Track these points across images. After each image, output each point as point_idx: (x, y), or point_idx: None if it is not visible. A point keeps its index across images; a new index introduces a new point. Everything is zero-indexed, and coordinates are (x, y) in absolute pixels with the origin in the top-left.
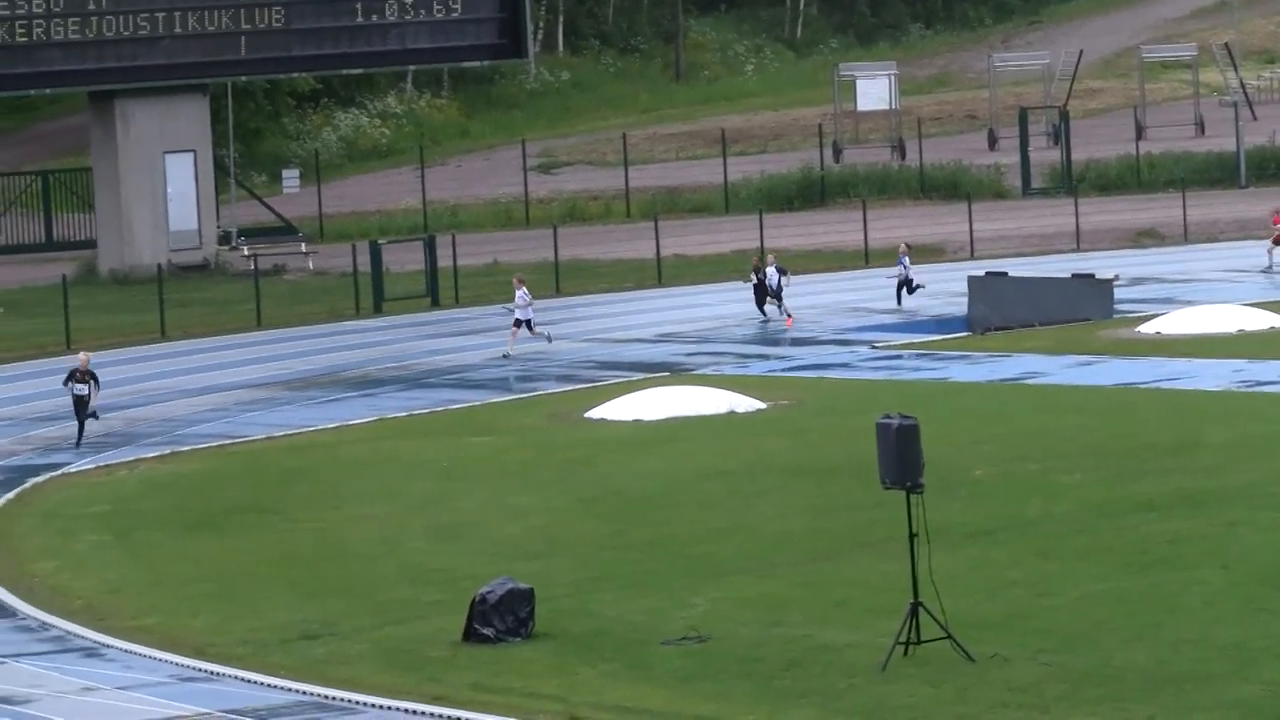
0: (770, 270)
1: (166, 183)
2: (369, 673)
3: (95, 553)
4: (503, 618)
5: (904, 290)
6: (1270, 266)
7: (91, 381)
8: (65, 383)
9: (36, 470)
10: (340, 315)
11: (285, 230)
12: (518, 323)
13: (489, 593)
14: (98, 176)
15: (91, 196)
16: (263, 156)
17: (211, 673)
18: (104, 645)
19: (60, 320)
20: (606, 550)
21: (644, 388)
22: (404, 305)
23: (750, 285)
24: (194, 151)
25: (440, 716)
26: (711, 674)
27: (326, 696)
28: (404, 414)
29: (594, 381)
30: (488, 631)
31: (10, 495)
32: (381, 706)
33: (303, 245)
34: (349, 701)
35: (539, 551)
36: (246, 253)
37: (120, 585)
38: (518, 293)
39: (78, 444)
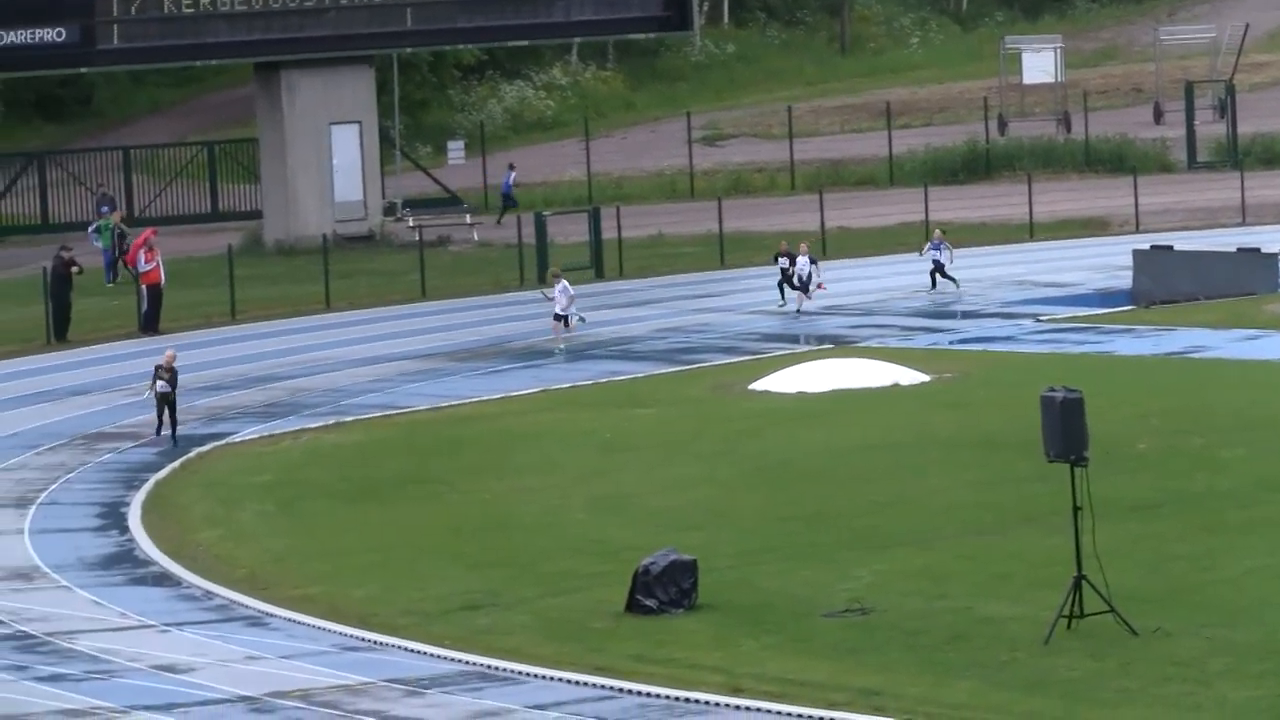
0: (802, 260)
1: (332, 154)
2: (531, 643)
3: (259, 522)
4: (665, 589)
5: (938, 274)
6: None
7: (173, 378)
8: (151, 382)
9: (201, 440)
10: (505, 287)
11: (450, 202)
12: (558, 317)
13: (652, 564)
14: (263, 147)
15: (257, 167)
16: (428, 128)
17: (374, 642)
18: (267, 614)
19: (225, 291)
20: (769, 522)
21: (808, 360)
22: (569, 277)
23: (779, 269)
24: (359, 123)
25: (602, 687)
26: (874, 646)
27: (489, 666)
28: (568, 385)
29: (758, 353)
30: (650, 603)
31: (175, 464)
32: (544, 677)
33: (467, 217)
34: (511, 672)
35: (702, 523)
36: (411, 224)
37: (284, 555)
38: (557, 285)
39: (174, 440)
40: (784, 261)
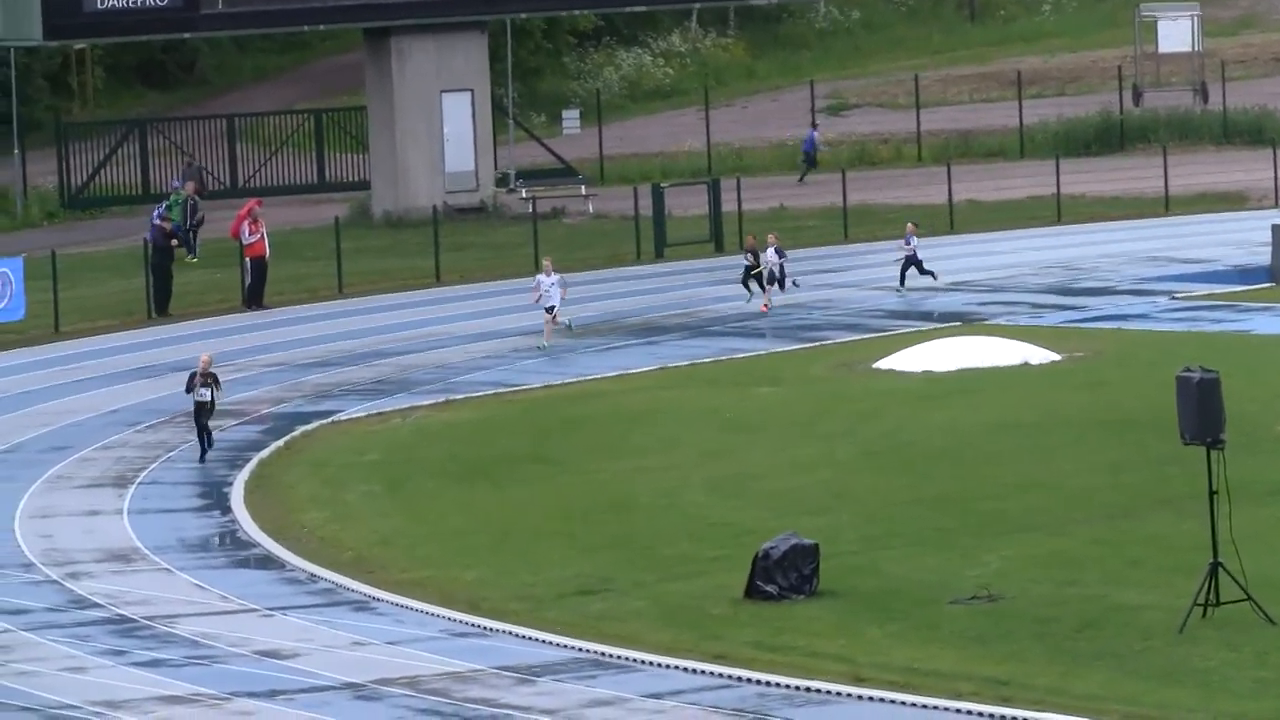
0: (770, 253)
1: (443, 123)
2: (647, 630)
3: (366, 503)
4: (786, 574)
5: (908, 270)
6: None
7: (214, 385)
8: (188, 390)
9: (306, 418)
10: (621, 260)
11: (564, 172)
12: (549, 309)
13: (772, 548)
14: (372, 116)
15: (365, 136)
16: (542, 96)
17: (485, 628)
18: (374, 599)
19: (332, 264)
20: (894, 505)
21: (935, 338)
22: (686, 250)
23: (745, 265)
24: (471, 91)
25: (720, 675)
26: (1002, 635)
27: (602, 653)
28: (686, 362)
29: (883, 331)
30: (770, 588)
31: (280, 443)
32: (660, 664)
33: (582, 188)
34: (626, 659)
35: (824, 506)
36: (524, 195)
37: (391, 537)
38: (546, 278)
39: (201, 458)
40: (749, 257)
